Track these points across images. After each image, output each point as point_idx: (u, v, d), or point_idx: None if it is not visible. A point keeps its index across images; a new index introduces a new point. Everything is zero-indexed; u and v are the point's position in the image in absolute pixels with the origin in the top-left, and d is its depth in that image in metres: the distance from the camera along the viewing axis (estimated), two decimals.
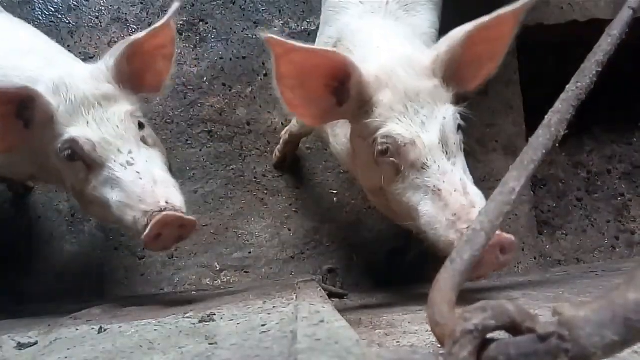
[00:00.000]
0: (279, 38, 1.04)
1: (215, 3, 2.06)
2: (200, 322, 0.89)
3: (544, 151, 0.72)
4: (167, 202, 1.09)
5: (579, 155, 2.22)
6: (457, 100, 1.18)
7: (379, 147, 1.09)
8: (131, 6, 2.05)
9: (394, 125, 1.08)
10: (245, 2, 2.06)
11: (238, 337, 0.74)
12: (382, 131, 1.09)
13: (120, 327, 0.92)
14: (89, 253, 1.88)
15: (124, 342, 0.81)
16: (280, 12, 2.05)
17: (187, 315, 0.97)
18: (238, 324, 0.85)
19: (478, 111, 1.86)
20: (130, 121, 1.20)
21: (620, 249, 2.08)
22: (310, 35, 2.04)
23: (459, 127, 1.12)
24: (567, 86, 0.82)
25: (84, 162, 1.16)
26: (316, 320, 0.71)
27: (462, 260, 0.59)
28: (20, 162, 1.36)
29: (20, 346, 0.89)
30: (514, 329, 0.46)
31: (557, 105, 0.78)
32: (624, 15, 0.93)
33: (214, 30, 2.04)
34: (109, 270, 1.86)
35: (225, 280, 1.85)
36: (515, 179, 0.68)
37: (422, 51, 1.19)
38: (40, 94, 1.15)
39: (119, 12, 2.02)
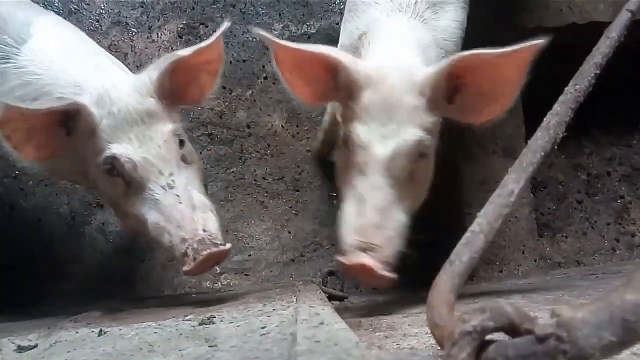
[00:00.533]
0: (272, 39, 1.11)
1: (215, 6, 2.07)
2: (200, 324, 0.90)
3: (543, 153, 0.72)
4: (204, 230, 1.11)
5: (579, 157, 2.22)
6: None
7: (343, 137, 1.16)
8: (131, 9, 2.05)
9: (359, 125, 1.11)
10: (246, 5, 2.07)
11: (238, 340, 0.74)
12: (349, 125, 1.14)
13: (120, 329, 0.92)
14: (88, 256, 1.88)
15: (124, 345, 0.81)
16: (280, 15, 2.06)
17: (187, 317, 0.97)
18: (238, 326, 0.85)
19: None
20: (172, 141, 1.19)
21: (620, 251, 2.08)
22: (310, 38, 2.05)
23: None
24: (566, 88, 0.83)
25: (123, 178, 1.16)
26: (316, 323, 0.71)
27: (461, 263, 0.59)
28: (63, 167, 1.36)
29: (20, 349, 0.89)
30: (512, 330, 0.46)
31: (556, 107, 0.78)
32: (623, 18, 0.93)
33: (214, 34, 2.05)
34: (108, 272, 1.86)
35: (225, 282, 1.84)
36: (514, 181, 0.68)
37: (425, 65, 1.16)
38: (85, 106, 1.15)
39: (119, 15, 2.02)
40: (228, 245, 1.12)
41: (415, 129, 1.09)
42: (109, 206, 1.31)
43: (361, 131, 1.10)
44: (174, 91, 1.24)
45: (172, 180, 1.15)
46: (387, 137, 1.08)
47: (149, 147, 1.16)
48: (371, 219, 1.05)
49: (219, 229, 1.15)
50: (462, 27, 1.40)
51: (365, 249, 1.03)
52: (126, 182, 1.16)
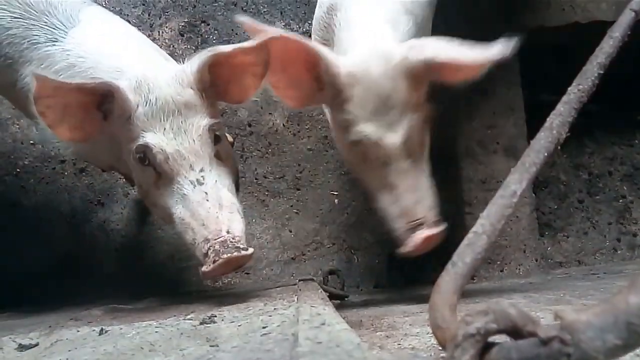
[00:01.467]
0: (252, 23, 1.10)
1: (216, 4, 2.07)
2: (201, 324, 0.89)
3: (546, 154, 0.72)
4: (228, 232, 1.09)
5: (580, 157, 2.22)
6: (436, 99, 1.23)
7: (351, 139, 1.17)
8: (133, 7, 2.05)
9: (363, 125, 1.14)
10: (247, 3, 2.07)
11: (239, 340, 0.74)
12: (354, 128, 1.16)
13: (121, 328, 0.92)
14: (89, 254, 1.88)
15: (125, 344, 0.81)
16: (281, 13, 2.06)
17: (188, 317, 0.97)
18: (239, 325, 0.85)
19: (479, 113, 1.87)
20: (207, 136, 1.17)
21: (621, 251, 2.08)
22: (312, 37, 2.05)
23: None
24: (569, 89, 0.83)
25: (154, 169, 1.15)
26: (317, 323, 0.71)
27: (464, 264, 0.59)
28: (100, 151, 1.36)
29: (21, 347, 0.89)
30: (515, 332, 0.46)
31: (559, 107, 0.78)
32: (626, 18, 0.93)
33: (216, 32, 2.05)
34: (109, 271, 1.86)
35: (226, 281, 1.84)
36: (516, 182, 0.68)
37: (399, 40, 1.18)
38: (120, 89, 1.13)
39: (121, 13, 2.02)
40: (250, 250, 1.10)
41: (412, 111, 1.15)
42: (138, 193, 1.30)
43: (369, 130, 1.14)
44: (214, 86, 1.22)
45: (202, 177, 1.14)
46: (393, 125, 1.13)
47: (182, 139, 1.14)
48: (409, 200, 1.15)
49: (244, 232, 1.13)
50: None
51: (415, 227, 1.13)
52: (157, 173, 1.15)
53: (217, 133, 1.20)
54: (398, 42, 1.18)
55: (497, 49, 1.03)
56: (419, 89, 1.16)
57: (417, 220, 1.14)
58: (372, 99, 1.13)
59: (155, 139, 1.13)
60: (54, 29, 1.30)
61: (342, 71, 1.14)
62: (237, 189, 1.31)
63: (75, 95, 1.12)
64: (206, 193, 1.12)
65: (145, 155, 1.14)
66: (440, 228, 1.15)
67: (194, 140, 1.15)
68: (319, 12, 1.41)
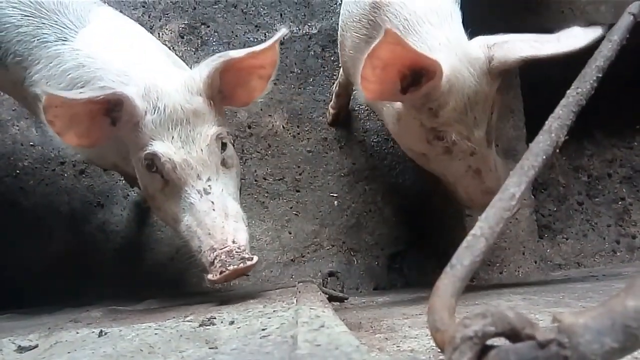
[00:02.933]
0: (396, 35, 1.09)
1: (217, 6, 2.07)
2: (200, 325, 0.89)
3: (545, 157, 0.72)
4: (234, 242, 1.11)
5: (580, 159, 2.22)
6: None
7: (445, 139, 1.25)
8: (133, 9, 2.05)
9: (456, 124, 1.23)
10: (247, 5, 2.07)
11: (238, 342, 0.74)
12: (447, 129, 1.23)
13: (120, 330, 0.92)
14: (89, 255, 1.88)
15: (125, 346, 0.81)
16: (281, 15, 2.06)
17: (188, 318, 0.97)
18: (238, 328, 0.85)
19: None
20: (215, 145, 1.17)
21: (621, 253, 2.08)
22: (312, 39, 2.05)
23: None
24: (568, 92, 0.83)
25: (162, 176, 1.16)
26: (316, 325, 0.71)
27: (462, 267, 0.59)
28: (106, 152, 1.36)
29: (21, 349, 0.89)
30: (513, 335, 0.46)
31: (558, 111, 0.78)
32: (625, 21, 0.93)
33: (216, 34, 2.05)
34: (109, 272, 1.86)
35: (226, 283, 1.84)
36: (515, 185, 0.68)
37: (476, 44, 1.23)
38: (128, 98, 1.13)
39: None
40: (255, 259, 1.11)
41: (491, 103, 1.25)
42: (144, 195, 1.31)
43: (460, 129, 1.22)
44: (222, 92, 1.23)
45: (209, 186, 1.15)
46: (478, 121, 1.23)
47: (191, 148, 1.14)
48: (495, 180, 1.27)
49: (248, 241, 1.15)
50: None
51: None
52: (164, 180, 1.16)
53: (224, 140, 1.21)
54: (465, 37, 1.25)
55: (582, 37, 1.10)
56: (497, 84, 1.24)
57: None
58: (464, 104, 1.20)
59: (163, 147, 1.13)
60: (64, 28, 1.30)
61: (443, 81, 1.17)
62: (240, 192, 1.32)
63: (84, 106, 1.12)
64: (213, 202, 1.13)
65: (153, 162, 1.15)
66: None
67: (201, 150, 1.15)
68: (356, 9, 1.40)
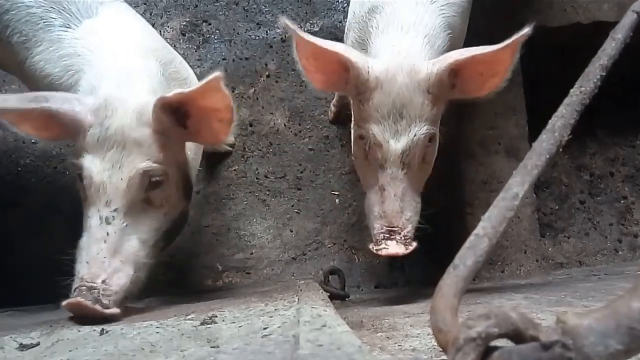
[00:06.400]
0: (294, 29, 1.16)
1: (218, 4, 2.06)
2: (202, 324, 0.89)
3: (548, 156, 0.71)
4: (104, 282, 1.08)
5: (582, 157, 2.22)
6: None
7: (359, 133, 1.28)
8: (134, 6, 2.03)
9: (373, 125, 1.23)
10: (249, 3, 2.06)
11: (240, 341, 0.74)
12: (367, 126, 1.24)
13: (122, 329, 0.92)
14: None
15: (126, 345, 0.81)
16: (283, 13, 2.05)
17: (189, 317, 0.97)
18: (240, 326, 0.85)
19: (480, 113, 1.87)
20: (138, 178, 1.14)
21: (623, 252, 2.08)
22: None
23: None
24: (571, 90, 0.82)
25: (83, 188, 1.17)
26: (318, 325, 0.71)
27: (465, 267, 0.59)
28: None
29: (22, 347, 0.89)
30: (517, 336, 0.46)
31: (561, 109, 0.78)
32: (629, 19, 0.92)
33: (217, 31, 2.04)
34: None
35: (227, 281, 1.85)
36: (518, 184, 0.68)
37: (428, 61, 1.22)
38: (77, 115, 1.14)
39: None
40: (112, 311, 1.06)
41: (422, 124, 1.22)
42: None
43: (376, 131, 1.23)
44: (181, 127, 1.19)
45: (113, 217, 1.13)
46: (399, 134, 1.22)
47: (113, 174, 1.13)
48: (392, 206, 1.24)
49: (124, 291, 1.11)
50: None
51: (389, 233, 1.24)
52: (84, 193, 1.17)
53: (156, 179, 1.17)
54: (431, 58, 1.24)
55: (517, 36, 1.09)
56: (436, 106, 1.23)
57: (393, 227, 1.23)
58: (389, 105, 1.21)
59: (89, 163, 1.14)
60: (70, 15, 1.33)
61: (370, 74, 1.20)
62: (174, 236, 1.35)
63: (42, 111, 1.15)
64: (107, 234, 1.12)
65: (79, 173, 1.16)
66: (411, 248, 1.24)
67: (121, 179, 1.13)
68: (359, 10, 1.42)
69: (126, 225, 1.14)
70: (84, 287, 1.07)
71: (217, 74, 1.08)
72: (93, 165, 1.14)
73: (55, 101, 1.15)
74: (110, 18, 1.36)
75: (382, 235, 1.24)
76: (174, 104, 1.15)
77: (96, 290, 1.07)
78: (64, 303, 1.06)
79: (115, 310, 1.07)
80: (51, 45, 1.32)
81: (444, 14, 1.31)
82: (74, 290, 1.08)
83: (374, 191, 1.28)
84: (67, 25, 1.32)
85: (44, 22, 1.32)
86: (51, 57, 1.32)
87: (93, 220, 1.14)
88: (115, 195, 1.13)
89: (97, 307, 1.04)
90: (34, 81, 1.38)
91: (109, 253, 1.11)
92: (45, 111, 1.14)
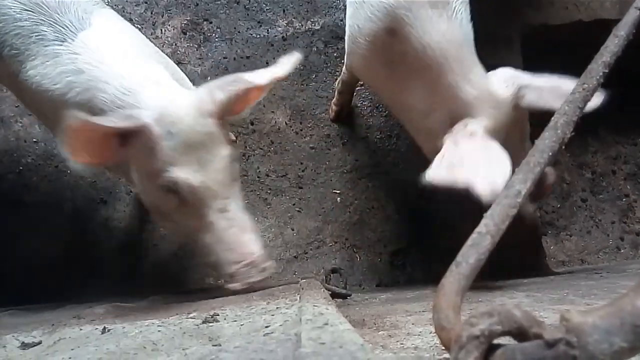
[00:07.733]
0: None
1: (219, 2, 2.06)
2: (203, 322, 0.89)
3: (551, 154, 0.71)
4: (252, 254, 1.19)
5: (584, 155, 2.21)
6: None
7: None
8: (135, 5, 2.05)
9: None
10: (250, 1, 2.06)
11: (242, 339, 0.74)
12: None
13: (123, 327, 0.92)
14: (92, 252, 1.88)
15: (128, 343, 0.81)
16: (284, 11, 2.05)
17: (191, 315, 0.97)
18: (241, 325, 0.84)
19: None
20: (230, 166, 1.21)
21: (625, 250, 2.07)
22: (314, 35, 2.04)
23: None
24: (574, 87, 0.82)
25: (178, 197, 1.16)
26: (320, 323, 0.70)
27: (468, 264, 0.59)
28: (112, 168, 1.40)
29: (24, 346, 0.89)
30: (520, 334, 0.45)
31: (564, 107, 0.78)
32: (632, 16, 0.92)
33: (218, 30, 2.04)
34: (112, 269, 1.86)
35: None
36: (521, 182, 0.68)
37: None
38: (148, 125, 1.12)
39: (123, 11, 2.02)
40: (271, 263, 1.21)
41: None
42: (143, 201, 1.29)
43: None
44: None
45: (226, 204, 1.19)
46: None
47: (208, 171, 1.16)
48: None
49: (263, 249, 1.22)
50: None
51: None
52: (181, 200, 1.17)
53: (234, 159, 1.24)
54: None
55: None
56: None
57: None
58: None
59: (181, 173, 1.14)
60: (63, 28, 1.29)
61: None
62: None
63: (106, 129, 1.11)
64: (230, 219, 1.19)
65: (170, 186, 1.15)
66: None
67: (218, 171, 1.18)
68: (366, 25, 1.39)
69: (237, 205, 1.22)
70: (245, 267, 1.17)
71: (293, 59, 1.27)
72: (186, 173, 1.14)
73: (117, 120, 1.13)
74: (104, 28, 1.33)
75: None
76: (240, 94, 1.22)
77: (254, 262, 1.18)
78: (236, 287, 1.16)
79: (271, 262, 1.22)
80: (47, 60, 1.28)
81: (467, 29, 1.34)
82: (235, 275, 1.18)
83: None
84: (62, 40, 1.27)
85: (36, 36, 1.28)
86: (48, 73, 1.27)
87: (212, 216, 1.18)
88: (219, 188, 1.18)
89: (264, 273, 1.19)
90: (29, 94, 1.34)
91: (240, 232, 1.20)
92: (136, 126, 1.12)
